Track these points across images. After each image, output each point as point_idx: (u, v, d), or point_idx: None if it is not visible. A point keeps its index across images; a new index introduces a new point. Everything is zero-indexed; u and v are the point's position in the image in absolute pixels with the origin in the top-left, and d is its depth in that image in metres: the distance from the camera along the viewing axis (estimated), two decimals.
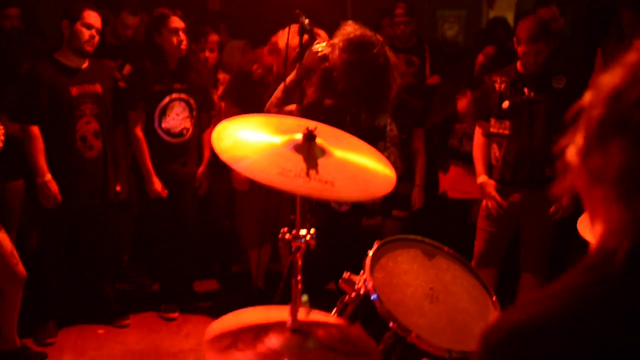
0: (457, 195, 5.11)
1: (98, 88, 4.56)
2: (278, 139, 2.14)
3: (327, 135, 2.21)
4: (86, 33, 4.36)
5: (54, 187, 4.38)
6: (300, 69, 3.35)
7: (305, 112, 3.11)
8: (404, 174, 4.71)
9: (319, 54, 3.26)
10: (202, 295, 5.34)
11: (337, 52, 3.18)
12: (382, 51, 3.21)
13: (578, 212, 4.33)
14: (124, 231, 5.35)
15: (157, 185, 4.72)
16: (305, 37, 3.39)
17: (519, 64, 4.36)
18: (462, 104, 5.02)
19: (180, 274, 5.06)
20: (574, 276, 0.95)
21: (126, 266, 5.49)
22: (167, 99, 4.73)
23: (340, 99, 3.22)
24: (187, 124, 4.82)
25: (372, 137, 3.13)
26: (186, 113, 4.81)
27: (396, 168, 4.61)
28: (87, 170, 4.54)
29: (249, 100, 4.49)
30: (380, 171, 2.17)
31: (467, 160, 4.75)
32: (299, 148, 2.09)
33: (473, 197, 4.79)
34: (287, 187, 1.95)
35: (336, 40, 3.22)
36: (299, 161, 2.04)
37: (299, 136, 2.12)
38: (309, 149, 2.10)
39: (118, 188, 4.79)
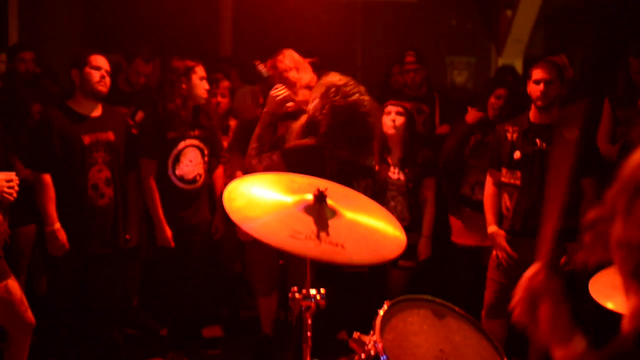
0: (468, 242, 5.09)
1: (110, 136, 4.59)
2: (289, 199, 2.15)
3: (337, 195, 2.23)
4: (96, 74, 4.41)
5: (62, 236, 4.39)
6: (264, 115, 3.53)
7: (285, 156, 3.26)
8: (412, 224, 4.72)
9: (278, 99, 3.41)
10: (210, 341, 5.31)
11: (318, 97, 3.27)
12: (363, 98, 3.28)
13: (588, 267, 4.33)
14: (133, 277, 5.34)
15: (167, 233, 4.73)
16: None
17: (531, 114, 4.39)
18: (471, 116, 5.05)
19: (189, 320, 5.03)
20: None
21: (134, 311, 5.47)
22: (181, 146, 4.76)
23: (322, 140, 3.28)
24: (200, 170, 4.85)
25: (355, 172, 3.19)
26: (199, 159, 4.84)
27: (403, 218, 4.66)
28: (98, 218, 4.55)
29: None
30: (390, 233, 2.17)
31: (478, 209, 4.74)
32: (309, 209, 2.11)
33: (484, 244, 4.78)
34: (298, 250, 1.95)
35: (319, 87, 3.33)
36: (309, 223, 2.05)
37: (309, 196, 2.14)
38: (319, 210, 2.11)
39: (128, 236, 4.78)
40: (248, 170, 3.61)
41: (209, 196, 5.02)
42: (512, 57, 7.37)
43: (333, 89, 3.26)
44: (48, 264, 4.64)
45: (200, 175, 4.85)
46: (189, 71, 4.74)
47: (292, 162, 3.30)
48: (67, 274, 4.58)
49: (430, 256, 4.92)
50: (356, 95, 3.27)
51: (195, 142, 4.81)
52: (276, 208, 2.09)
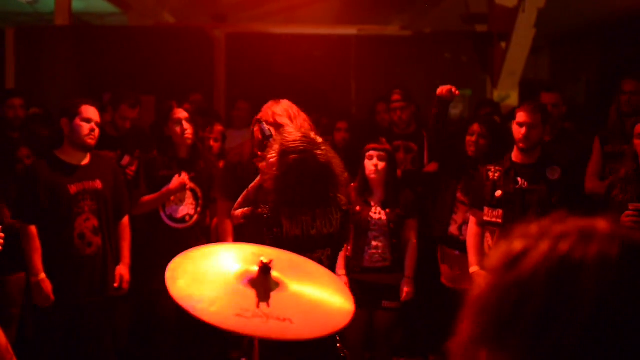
0: (455, 285, 5.06)
1: (98, 184, 4.62)
2: (235, 272, 2.15)
3: (283, 264, 2.22)
4: (86, 127, 4.45)
5: (47, 286, 4.41)
6: (261, 174, 3.36)
7: (249, 218, 3.16)
8: (394, 265, 4.72)
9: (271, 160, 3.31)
10: None
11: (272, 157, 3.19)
12: (313, 154, 3.08)
13: None
14: (123, 321, 5.36)
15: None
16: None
17: (513, 154, 4.39)
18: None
19: None
20: None
21: (124, 354, 5.47)
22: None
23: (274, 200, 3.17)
24: (191, 210, 4.91)
25: (301, 246, 3.01)
26: (190, 200, 4.90)
27: (385, 259, 4.65)
28: (85, 267, 4.57)
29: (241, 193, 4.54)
30: (336, 303, 2.16)
31: (465, 249, 4.72)
32: (254, 282, 2.10)
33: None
34: (246, 330, 1.95)
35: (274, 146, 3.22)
36: (254, 298, 2.05)
37: (254, 268, 2.14)
38: (264, 283, 2.11)
39: (116, 284, 4.78)
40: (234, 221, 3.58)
41: (206, 238, 5.05)
42: (508, 89, 7.38)
43: (283, 149, 3.08)
44: (36, 312, 4.66)
45: (190, 216, 4.91)
46: (167, 112, 4.86)
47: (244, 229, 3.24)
48: (54, 323, 4.60)
49: (420, 297, 4.91)
50: (302, 154, 3.05)
51: (182, 172, 4.88)
52: (220, 284, 2.09)
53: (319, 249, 3.08)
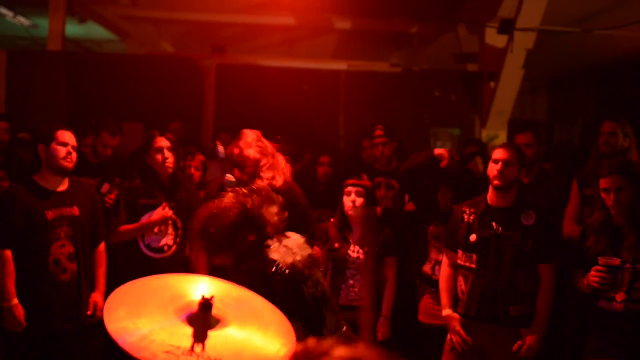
0: (431, 321, 5.02)
1: (75, 211, 4.63)
2: (176, 306, 2.14)
3: (230, 299, 2.21)
4: (62, 150, 4.48)
5: (19, 312, 4.40)
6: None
7: None
8: (370, 303, 4.69)
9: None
10: None
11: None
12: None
13: (543, 353, 4.26)
14: (96, 352, 5.31)
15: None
16: None
17: (488, 196, 4.37)
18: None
19: None
20: None
21: None
22: (150, 213, 4.84)
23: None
24: (170, 240, 4.92)
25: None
26: (170, 230, 4.90)
27: (361, 297, 4.62)
28: (59, 293, 4.55)
29: None
30: (272, 349, 2.13)
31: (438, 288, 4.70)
32: (192, 318, 2.10)
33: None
34: None
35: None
36: (189, 335, 2.04)
37: (196, 303, 2.13)
38: (203, 319, 2.10)
39: (89, 312, 4.75)
40: None
41: (185, 269, 5.04)
42: (496, 128, 7.40)
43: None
44: (6, 339, 4.63)
45: (168, 246, 4.91)
46: (149, 141, 4.89)
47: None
48: (26, 349, 4.58)
49: (396, 335, 4.88)
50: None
51: (164, 203, 4.89)
52: (157, 318, 2.08)
53: None
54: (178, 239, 4.99)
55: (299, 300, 2.89)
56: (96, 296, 4.78)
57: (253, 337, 2.16)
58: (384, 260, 4.78)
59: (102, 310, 4.72)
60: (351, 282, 4.70)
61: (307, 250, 3.02)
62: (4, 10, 9.86)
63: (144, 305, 2.14)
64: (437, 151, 4.65)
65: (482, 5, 7.64)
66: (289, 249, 2.96)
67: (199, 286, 2.28)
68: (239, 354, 2.06)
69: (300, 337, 2.31)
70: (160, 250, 4.93)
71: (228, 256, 2.97)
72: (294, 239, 3.04)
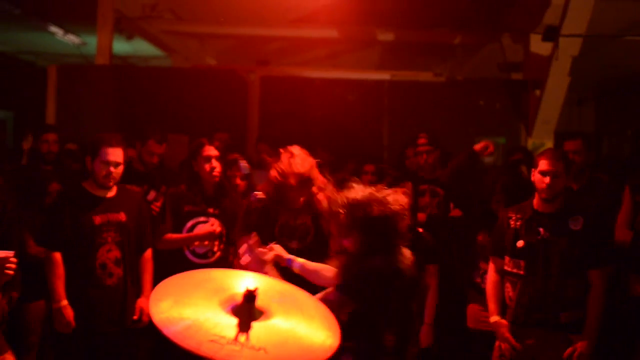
0: (479, 327, 4.95)
1: (122, 216, 4.69)
2: (221, 298, 2.15)
3: (273, 293, 2.21)
4: (104, 171, 4.54)
5: (68, 313, 4.46)
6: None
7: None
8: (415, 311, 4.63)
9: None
10: None
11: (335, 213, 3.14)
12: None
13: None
14: (143, 356, 5.36)
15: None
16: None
17: (535, 202, 4.29)
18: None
19: None
20: None
21: None
22: (195, 220, 4.94)
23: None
24: (214, 247, 4.95)
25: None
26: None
27: None
28: (105, 297, 4.60)
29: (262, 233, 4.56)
30: (319, 338, 2.12)
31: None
32: (237, 310, 2.10)
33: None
34: (217, 356, 1.93)
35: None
36: (233, 325, 2.04)
37: (240, 295, 2.13)
38: (247, 311, 2.10)
39: (135, 317, 4.80)
40: None
41: None
42: (542, 137, 7.29)
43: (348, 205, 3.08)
44: (56, 341, 4.70)
45: (212, 253, 4.96)
46: (197, 149, 4.95)
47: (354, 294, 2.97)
48: (74, 352, 4.64)
49: (445, 342, 4.82)
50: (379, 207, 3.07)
51: (214, 220, 4.94)
52: (202, 309, 2.08)
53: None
54: (222, 246, 5.04)
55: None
56: (142, 301, 4.81)
57: (297, 328, 2.16)
58: (426, 267, 4.71)
59: (148, 316, 4.78)
60: None
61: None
62: (54, 29, 10.14)
63: (189, 296, 2.16)
64: (478, 146, 4.61)
65: (526, 13, 7.56)
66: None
67: (243, 280, 2.29)
68: (283, 343, 2.06)
69: None
70: (205, 256, 5.00)
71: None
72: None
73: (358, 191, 3.13)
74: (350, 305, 2.88)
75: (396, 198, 3.14)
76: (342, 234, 3.07)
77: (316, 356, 2.07)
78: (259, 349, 1.98)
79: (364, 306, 2.77)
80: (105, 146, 4.56)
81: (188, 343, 1.95)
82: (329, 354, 2.09)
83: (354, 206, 3.05)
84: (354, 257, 3.03)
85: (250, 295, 2.12)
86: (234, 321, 2.05)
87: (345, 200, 3.09)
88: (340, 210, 3.06)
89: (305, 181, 4.06)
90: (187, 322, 2.02)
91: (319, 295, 3.00)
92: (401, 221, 3.11)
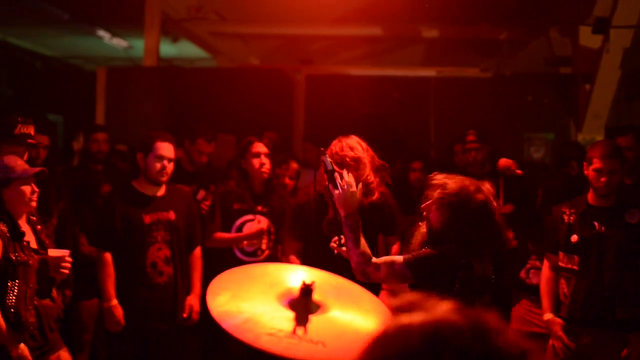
0: (525, 328, 4.85)
1: (172, 215, 4.74)
2: (277, 292, 2.15)
3: (329, 287, 2.20)
4: (158, 165, 4.58)
5: (118, 312, 4.52)
6: (345, 222, 3.09)
7: (411, 266, 2.95)
8: None
9: (353, 198, 3.11)
10: None
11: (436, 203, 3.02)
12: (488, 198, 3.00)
13: None
14: (193, 352, 5.40)
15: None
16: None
17: (589, 196, 4.21)
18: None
19: None
20: None
21: None
22: (244, 218, 4.96)
23: (452, 250, 3.01)
24: (262, 245, 4.99)
25: (483, 289, 2.97)
26: (263, 235, 4.98)
27: None
28: (156, 295, 4.66)
29: (309, 233, 4.54)
30: (374, 333, 2.10)
31: (534, 293, 4.54)
32: (293, 303, 2.09)
33: (543, 331, 4.54)
34: (275, 349, 1.93)
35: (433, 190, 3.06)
36: (291, 319, 2.03)
37: (297, 289, 2.13)
38: (304, 305, 2.09)
39: (185, 315, 4.83)
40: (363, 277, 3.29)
41: None
42: (593, 132, 7.14)
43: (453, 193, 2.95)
44: (108, 338, 4.78)
45: (261, 251, 4.98)
46: (247, 146, 4.97)
47: (420, 273, 2.95)
48: (126, 349, 4.71)
49: None
50: (480, 195, 2.93)
51: (261, 217, 4.95)
52: (260, 303, 2.09)
53: (487, 293, 3.00)
54: (271, 244, 5.06)
55: None
56: (192, 299, 4.86)
57: (354, 322, 2.15)
58: None
59: (198, 313, 4.82)
60: None
61: None
62: (102, 33, 10.32)
63: (247, 290, 2.16)
64: (502, 163, 4.59)
65: (575, 5, 7.42)
66: None
67: (298, 274, 2.28)
68: (341, 337, 2.05)
69: None
70: (254, 254, 5.02)
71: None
72: None
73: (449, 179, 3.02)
74: (409, 280, 2.96)
75: (488, 188, 3.02)
76: (432, 215, 2.99)
77: None
78: (317, 343, 1.97)
79: (423, 287, 2.73)
80: (158, 141, 4.61)
81: (246, 336, 1.95)
82: None
83: (455, 192, 2.94)
84: (431, 239, 3.00)
85: (307, 289, 2.11)
86: (291, 315, 2.05)
87: (446, 184, 2.99)
88: (440, 193, 2.96)
89: (359, 164, 4.01)
90: (245, 315, 2.03)
91: (386, 258, 3.07)
92: (497, 211, 2.98)
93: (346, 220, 3.04)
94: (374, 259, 2.98)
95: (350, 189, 3.08)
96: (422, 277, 2.91)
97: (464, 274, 2.90)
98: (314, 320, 2.06)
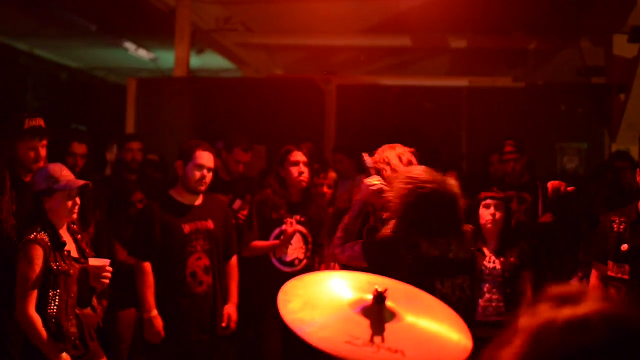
0: None
1: (210, 224, 4.70)
2: (348, 299, 2.09)
3: (399, 295, 2.14)
4: (197, 174, 4.55)
5: (158, 323, 4.48)
6: (354, 203, 3.51)
7: (365, 249, 3.25)
8: (507, 318, 4.47)
9: (372, 189, 3.37)
10: None
11: (395, 185, 3.18)
12: (443, 186, 3.15)
13: None
14: None
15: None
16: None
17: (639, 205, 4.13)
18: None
19: None
20: None
21: None
22: (281, 228, 4.95)
23: (397, 232, 3.19)
24: (300, 254, 4.96)
25: (440, 268, 3.09)
26: (300, 244, 4.96)
27: (499, 312, 4.44)
28: (196, 305, 4.62)
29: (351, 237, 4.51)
30: (453, 338, 2.05)
31: None
32: (367, 311, 2.03)
33: None
34: (354, 357, 1.88)
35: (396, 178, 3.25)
36: (366, 326, 1.97)
37: (369, 297, 2.07)
38: (378, 312, 2.03)
39: (224, 324, 4.79)
40: (331, 259, 3.64)
41: None
42: (627, 142, 7.04)
43: (407, 179, 3.15)
44: (147, 349, 4.73)
45: (299, 260, 4.95)
46: (285, 155, 4.93)
47: (371, 255, 3.24)
48: (165, 359, 4.66)
49: None
50: (432, 185, 3.10)
51: (299, 227, 4.90)
52: (333, 310, 2.03)
53: (460, 275, 3.11)
54: (308, 253, 5.01)
55: None
56: (230, 308, 4.83)
57: (431, 330, 2.08)
58: (521, 274, 4.57)
59: (235, 322, 4.78)
60: (487, 295, 4.50)
61: None
62: (128, 44, 10.37)
63: (318, 297, 2.11)
64: (551, 185, 4.58)
65: (608, 14, 7.35)
66: None
67: (368, 281, 2.22)
68: (420, 345, 1.99)
69: None
70: (291, 264, 4.97)
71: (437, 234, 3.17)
72: None
73: (419, 170, 3.24)
74: (363, 262, 3.24)
75: (454, 182, 3.21)
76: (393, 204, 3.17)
77: (453, 358, 1.99)
78: (396, 351, 1.91)
79: (372, 269, 2.82)
80: (199, 150, 4.58)
81: (324, 344, 1.89)
82: (465, 355, 2.01)
83: (413, 180, 3.13)
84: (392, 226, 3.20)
85: (380, 296, 2.05)
86: (365, 322, 1.99)
87: (406, 174, 3.20)
88: (400, 183, 3.14)
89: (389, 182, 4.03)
90: (319, 322, 1.97)
91: (352, 242, 3.37)
92: (460, 202, 3.15)
93: (355, 202, 3.49)
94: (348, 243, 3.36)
95: (371, 181, 3.42)
96: (372, 257, 3.22)
97: (413, 254, 3.09)
98: (391, 328, 2.00)
